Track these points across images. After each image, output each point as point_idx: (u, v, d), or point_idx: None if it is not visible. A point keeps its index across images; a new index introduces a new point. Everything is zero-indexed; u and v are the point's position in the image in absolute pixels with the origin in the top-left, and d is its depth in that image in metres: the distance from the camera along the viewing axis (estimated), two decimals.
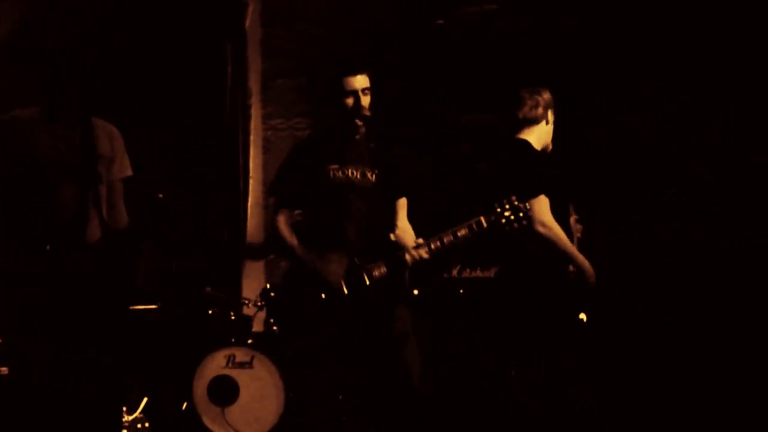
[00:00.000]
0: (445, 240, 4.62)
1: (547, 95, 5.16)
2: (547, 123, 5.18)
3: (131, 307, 6.04)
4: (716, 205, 5.31)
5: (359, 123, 4.71)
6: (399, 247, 4.69)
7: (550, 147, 5.25)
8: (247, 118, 7.20)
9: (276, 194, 4.86)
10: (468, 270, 6.06)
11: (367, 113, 4.68)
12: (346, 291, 4.55)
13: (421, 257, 4.58)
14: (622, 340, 5.33)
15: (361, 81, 4.69)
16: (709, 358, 5.28)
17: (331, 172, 4.73)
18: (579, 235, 5.16)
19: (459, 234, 4.62)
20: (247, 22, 7.19)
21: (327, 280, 4.57)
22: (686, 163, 5.68)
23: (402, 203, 4.86)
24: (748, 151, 5.63)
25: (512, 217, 4.67)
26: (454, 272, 6.09)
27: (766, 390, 5.10)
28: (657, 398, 5.04)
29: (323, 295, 4.55)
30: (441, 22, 6.80)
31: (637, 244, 5.38)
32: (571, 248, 4.94)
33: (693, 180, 5.67)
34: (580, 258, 4.93)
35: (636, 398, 5.26)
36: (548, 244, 4.88)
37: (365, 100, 4.68)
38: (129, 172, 4.62)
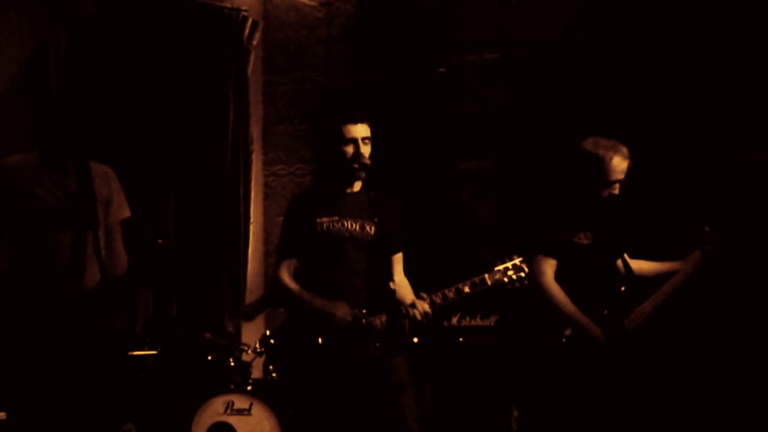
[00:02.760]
0: (449, 296, 4.64)
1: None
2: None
3: (130, 353, 6.05)
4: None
5: (359, 172, 4.69)
6: (399, 301, 4.67)
7: None
8: (248, 164, 7.19)
9: (281, 253, 4.84)
10: (468, 318, 6.07)
11: (367, 162, 4.65)
12: (345, 342, 4.56)
13: (424, 310, 4.58)
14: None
15: (361, 130, 4.68)
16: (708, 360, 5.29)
17: (329, 225, 4.71)
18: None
19: (463, 291, 4.64)
20: (249, 69, 7.22)
21: (335, 316, 4.57)
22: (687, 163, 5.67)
23: (398, 258, 4.84)
24: (748, 151, 5.62)
25: (514, 277, 4.69)
26: (454, 320, 6.09)
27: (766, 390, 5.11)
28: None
29: (320, 340, 4.55)
30: (442, 70, 6.83)
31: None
32: (571, 312, 4.77)
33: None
34: (583, 322, 4.76)
35: None
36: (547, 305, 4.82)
37: (365, 149, 4.67)
38: (127, 214, 4.62)
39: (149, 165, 6.70)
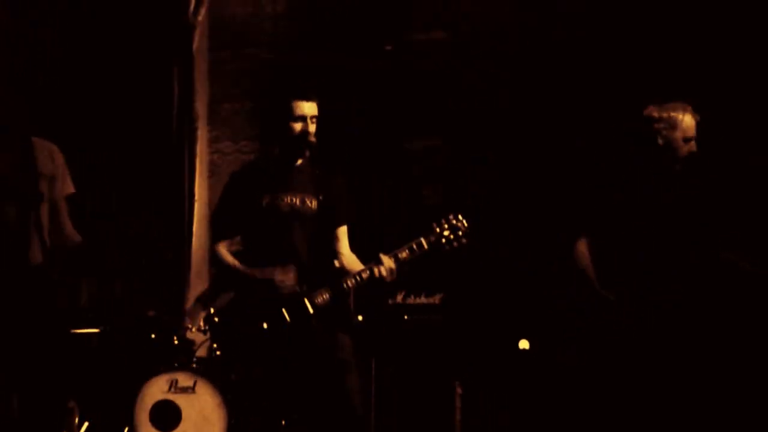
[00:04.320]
0: (415, 249, 4.67)
1: None
2: None
3: (73, 330, 6.03)
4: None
5: (305, 150, 4.72)
6: (343, 274, 4.69)
7: None
8: (193, 141, 7.15)
9: (214, 225, 4.88)
10: (413, 296, 6.11)
11: (313, 140, 4.69)
12: (288, 319, 4.55)
13: (389, 267, 4.59)
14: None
15: (311, 107, 4.70)
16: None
17: (273, 199, 4.72)
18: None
19: (400, 256, 4.65)
20: (195, 46, 7.15)
21: (274, 280, 4.59)
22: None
23: (343, 231, 4.84)
24: (748, 152, 5.66)
25: (451, 236, 4.71)
26: (399, 298, 6.11)
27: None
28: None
29: (265, 325, 4.54)
30: (389, 47, 6.84)
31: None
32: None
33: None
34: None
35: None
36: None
37: (312, 127, 4.69)
38: (71, 190, 4.57)
39: (93, 142, 6.68)
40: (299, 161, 4.78)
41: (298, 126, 4.68)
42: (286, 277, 4.60)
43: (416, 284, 5.98)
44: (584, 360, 4.96)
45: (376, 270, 4.59)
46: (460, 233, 4.71)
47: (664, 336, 4.56)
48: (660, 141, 4.73)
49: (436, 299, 6.07)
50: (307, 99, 4.69)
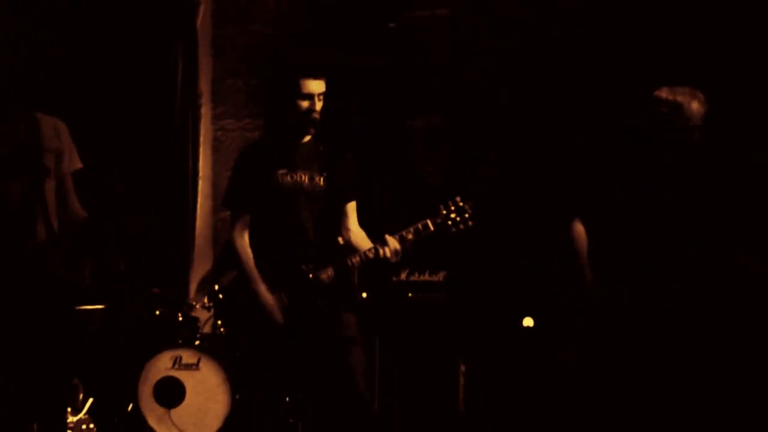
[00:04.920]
0: (420, 229, 4.67)
1: None
2: None
3: (77, 307, 5.99)
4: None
5: (311, 128, 4.71)
6: (348, 251, 4.71)
7: None
8: (196, 118, 7.13)
9: (230, 205, 4.84)
10: (416, 274, 6.08)
11: (318, 117, 4.68)
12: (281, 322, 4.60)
13: (395, 247, 4.59)
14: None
15: (318, 85, 4.68)
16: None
17: (279, 177, 4.71)
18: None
19: (407, 237, 4.64)
20: (199, 21, 7.10)
21: (266, 311, 4.62)
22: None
23: (352, 207, 4.85)
24: (749, 151, 5.62)
25: (457, 218, 4.69)
26: (403, 276, 6.09)
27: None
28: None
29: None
30: (393, 25, 6.78)
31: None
32: None
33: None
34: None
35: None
36: None
37: (319, 105, 4.67)
38: (79, 165, 4.55)
39: (96, 118, 6.57)
40: (305, 138, 4.77)
41: (305, 104, 4.67)
42: (278, 316, 4.62)
43: (420, 262, 5.97)
44: (584, 358, 4.94)
45: (381, 251, 4.59)
46: (467, 215, 4.69)
47: (664, 334, 4.54)
48: (663, 125, 4.67)
49: (440, 277, 6.04)
50: (315, 77, 4.68)
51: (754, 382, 4.90)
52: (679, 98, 4.66)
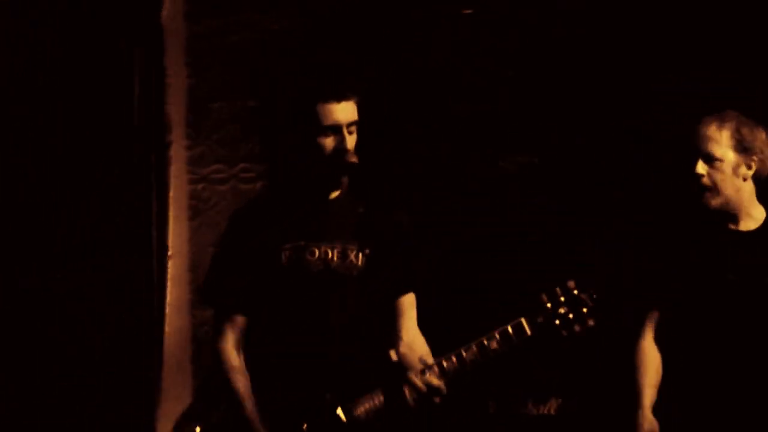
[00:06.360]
0: (467, 357, 3.89)
1: None
2: None
3: None
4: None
5: (342, 175, 3.96)
6: (404, 370, 3.93)
7: None
8: (163, 164, 5.82)
9: (215, 301, 4.11)
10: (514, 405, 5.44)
11: (354, 160, 3.92)
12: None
13: (429, 387, 3.80)
14: None
15: (346, 111, 3.93)
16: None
17: (294, 254, 4.00)
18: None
19: (489, 347, 3.89)
20: (164, 13, 5.78)
21: None
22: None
23: (408, 302, 4.06)
24: None
25: (571, 316, 3.91)
26: (492, 408, 5.36)
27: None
28: None
29: None
30: (469, 11, 5.60)
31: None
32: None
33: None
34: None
35: None
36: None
37: (351, 141, 3.93)
38: None
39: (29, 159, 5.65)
40: (334, 194, 4.09)
41: (329, 141, 3.93)
42: None
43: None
44: None
45: (409, 392, 3.89)
46: (585, 310, 3.97)
47: None
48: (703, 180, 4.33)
49: (550, 408, 5.24)
50: (341, 98, 3.94)
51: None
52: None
